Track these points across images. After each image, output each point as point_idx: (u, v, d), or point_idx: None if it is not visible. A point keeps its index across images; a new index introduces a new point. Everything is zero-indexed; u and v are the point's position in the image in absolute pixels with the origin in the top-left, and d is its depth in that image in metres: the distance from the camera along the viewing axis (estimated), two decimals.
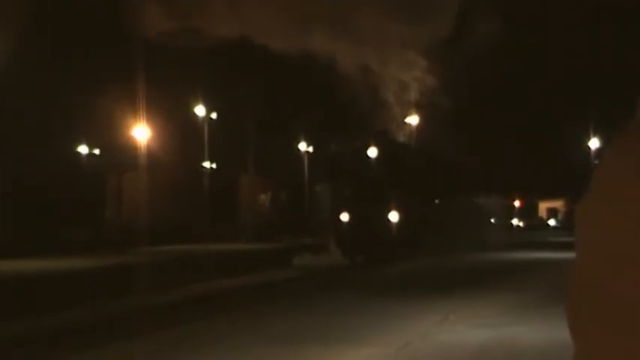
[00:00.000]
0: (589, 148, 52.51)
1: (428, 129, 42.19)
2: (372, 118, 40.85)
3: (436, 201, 36.36)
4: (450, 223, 34.58)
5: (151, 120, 38.56)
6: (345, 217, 31.72)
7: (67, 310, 18.41)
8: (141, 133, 37.62)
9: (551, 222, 62.96)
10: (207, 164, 45.06)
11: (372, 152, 35.35)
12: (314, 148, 49.55)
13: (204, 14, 39.24)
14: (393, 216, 31.16)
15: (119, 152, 40.57)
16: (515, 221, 57.40)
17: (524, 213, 60.69)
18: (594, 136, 52.17)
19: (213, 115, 43.73)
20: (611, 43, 49.71)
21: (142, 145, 37.59)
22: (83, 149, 43.72)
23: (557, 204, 63.67)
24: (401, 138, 40.83)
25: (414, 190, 32.40)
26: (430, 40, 41.43)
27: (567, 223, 58.09)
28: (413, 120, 42.39)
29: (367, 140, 36.21)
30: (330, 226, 32.57)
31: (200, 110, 42.50)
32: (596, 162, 48.46)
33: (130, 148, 38.40)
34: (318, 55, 40.45)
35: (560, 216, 63.31)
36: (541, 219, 63.86)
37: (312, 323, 16.14)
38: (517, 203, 58.03)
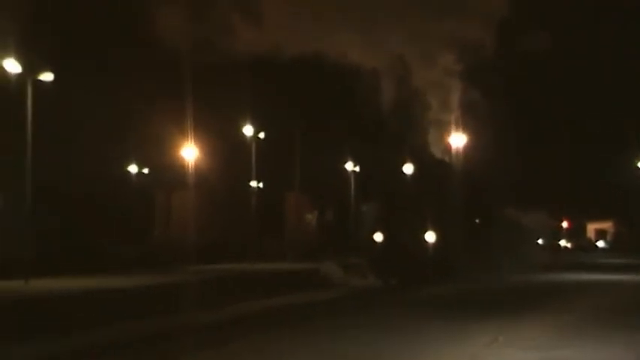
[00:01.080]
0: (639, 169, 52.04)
1: (470, 145, 39.73)
2: (410, 133, 39.11)
3: (476, 220, 34.52)
4: (490, 244, 33.33)
5: (199, 139, 38.67)
6: (378, 237, 30.53)
7: (110, 327, 18.65)
8: (189, 152, 38.03)
9: (600, 243, 62.46)
10: (254, 183, 44.89)
11: (408, 169, 34.00)
12: (360, 168, 49.45)
13: (256, 33, 37.77)
14: (430, 236, 29.84)
15: (168, 171, 41.01)
16: (563, 242, 56.91)
17: (573, 234, 60.18)
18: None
19: (261, 135, 43.47)
20: None
21: (190, 164, 37.88)
22: (133, 168, 44.11)
23: (606, 225, 63.13)
24: (440, 154, 38.51)
25: (452, 208, 31.21)
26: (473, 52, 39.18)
27: (616, 245, 57.52)
28: (453, 138, 39.85)
29: (403, 156, 34.66)
30: (365, 247, 31.53)
31: (248, 130, 42.48)
32: None
33: (179, 167, 38.74)
34: (361, 68, 39.00)
35: (609, 237, 62.77)
36: (589, 240, 63.34)
37: (360, 346, 15.77)
38: (565, 224, 57.56)
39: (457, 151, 39.28)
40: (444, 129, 39.51)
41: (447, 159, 37.73)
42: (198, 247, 35.36)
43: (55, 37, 33.88)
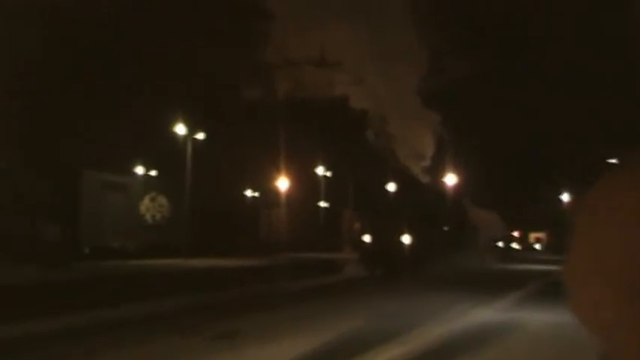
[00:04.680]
0: (560, 200, 55.40)
1: (437, 169, 35.31)
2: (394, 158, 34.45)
3: (445, 228, 31.23)
4: (456, 245, 30.28)
5: (288, 173, 39.87)
6: (367, 238, 27.85)
7: (240, 288, 18.29)
8: (282, 183, 40.17)
9: (537, 246, 65.41)
10: (322, 203, 47.63)
11: (391, 187, 31.88)
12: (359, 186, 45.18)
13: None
14: (405, 238, 27.32)
15: (269, 194, 41.82)
16: (514, 245, 59.84)
17: (520, 240, 63.36)
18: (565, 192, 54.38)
19: (328, 174, 45.70)
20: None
21: (282, 191, 39.98)
22: (248, 192, 45.04)
23: (541, 235, 66.26)
24: (417, 173, 34.10)
25: (425, 218, 28.07)
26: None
27: (547, 247, 60.91)
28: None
29: (387, 177, 32.28)
30: (357, 246, 28.49)
31: (320, 170, 45.30)
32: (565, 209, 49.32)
33: (275, 192, 40.31)
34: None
35: (542, 242, 65.99)
36: (531, 244, 66.20)
37: (398, 306, 14.70)
38: (516, 233, 60.70)
39: (429, 172, 35.19)
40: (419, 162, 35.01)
41: (422, 178, 34.34)
42: (287, 243, 37.56)
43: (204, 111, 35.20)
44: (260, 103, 37.22)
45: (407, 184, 31.51)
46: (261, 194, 44.23)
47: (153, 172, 38.69)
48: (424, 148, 35.15)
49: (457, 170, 35.12)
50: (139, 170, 38.30)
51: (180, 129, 32.67)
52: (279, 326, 11.52)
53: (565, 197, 55.39)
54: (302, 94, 35.88)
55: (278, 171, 39.96)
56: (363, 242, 27.69)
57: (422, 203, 28.98)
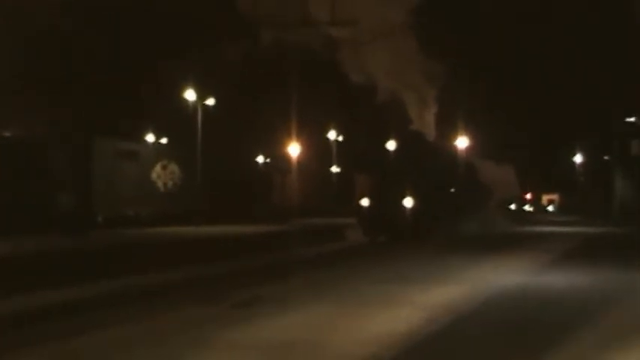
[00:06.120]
0: (574, 162, 55.55)
1: (446, 129, 33.68)
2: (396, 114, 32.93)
3: (452, 190, 29.14)
4: (465, 210, 28.73)
5: (300, 139, 39.83)
6: (365, 202, 25.90)
7: (243, 258, 18.00)
8: (294, 148, 40.30)
9: (550, 208, 65.99)
10: (335, 168, 47.84)
11: (391, 145, 29.62)
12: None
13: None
14: (408, 202, 25.31)
15: (281, 160, 41.85)
16: (527, 207, 60.21)
17: (533, 202, 63.85)
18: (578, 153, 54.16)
19: (340, 138, 46.08)
20: None
21: (294, 156, 40.15)
22: (260, 158, 45.14)
23: (554, 196, 66.73)
24: (423, 133, 31.93)
25: (430, 180, 26.28)
26: None
27: (560, 209, 61.42)
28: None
29: (388, 134, 29.95)
30: (356, 211, 26.57)
31: (332, 134, 45.61)
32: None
33: (288, 158, 40.35)
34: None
35: (555, 204, 66.56)
36: (543, 206, 66.73)
37: (397, 270, 14.91)
38: (529, 196, 61.07)
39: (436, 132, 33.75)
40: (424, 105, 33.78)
41: (426, 134, 32.21)
42: (300, 209, 37.19)
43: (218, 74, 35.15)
44: (270, 64, 36.99)
45: (410, 143, 29.18)
46: (272, 160, 44.29)
47: (164, 140, 38.99)
48: (431, 113, 34.00)
49: (467, 130, 33.82)
50: (150, 138, 38.58)
51: (190, 95, 32.72)
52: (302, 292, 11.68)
53: (578, 159, 55.65)
54: (312, 57, 35.35)
55: (290, 136, 39.99)
56: (361, 207, 26.00)
57: (426, 164, 27.12)
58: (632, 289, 12.12)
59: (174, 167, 33.55)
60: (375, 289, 11.85)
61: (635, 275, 13.99)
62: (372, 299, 10.78)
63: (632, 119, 46.38)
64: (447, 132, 34.00)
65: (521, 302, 10.77)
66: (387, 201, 25.45)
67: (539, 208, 63.63)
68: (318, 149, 44.47)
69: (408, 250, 20.63)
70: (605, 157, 51.44)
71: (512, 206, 45.63)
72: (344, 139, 46.51)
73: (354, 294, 11.35)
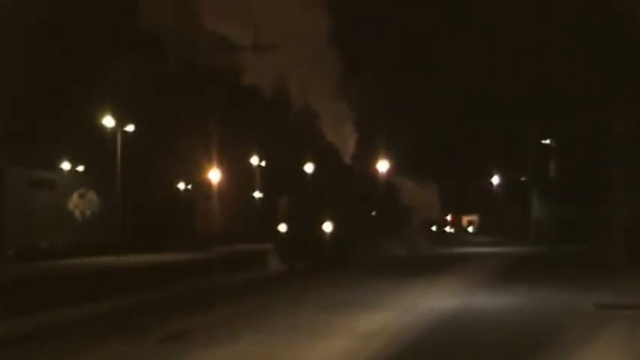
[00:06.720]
0: (491, 183, 56.82)
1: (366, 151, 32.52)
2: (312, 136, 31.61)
3: (372, 213, 28.72)
4: (386, 232, 28.32)
5: (220, 165, 39.34)
6: (282, 227, 24.80)
7: (165, 288, 17.33)
8: (214, 175, 39.88)
9: (470, 229, 67.54)
10: (257, 194, 47.26)
11: (309, 168, 28.59)
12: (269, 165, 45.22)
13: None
14: (327, 226, 24.27)
15: (202, 187, 41.47)
16: (448, 228, 61.43)
17: (454, 223, 65.17)
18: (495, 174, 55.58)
19: (263, 163, 45.47)
20: None
21: (215, 182, 39.69)
22: (181, 185, 44.72)
23: (473, 217, 68.37)
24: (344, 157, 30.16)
25: (348, 203, 25.41)
26: None
27: (480, 230, 62.98)
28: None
29: (305, 156, 29.10)
30: (272, 236, 25.42)
31: (254, 160, 44.91)
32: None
33: (208, 184, 39.92)
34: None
35: (474, 225, 68.19)
36: (464, 227, 68.29)
37: (326, 297, 14.55)
38: (449, 217, 62.29)
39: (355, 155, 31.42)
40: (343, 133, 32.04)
41: (346, 159, 30.50)
42: (223, 235, 36.84)
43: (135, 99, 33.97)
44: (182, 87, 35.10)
45: (328, 166, 27.89)
46: (194, 186, 43.87)
47: (80, 168, 37.87)
48: (348, 130, 31.83)
49: (388, 153, 33.17)
50: (65, 166, 37.42)
51: (109, 121, 31.91)
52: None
53: (495, 180, 56.97)
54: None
55: (210, 162, 39.63)
56: (278, 232, 24.80)
57: (345, 186, 26.13)
58: (561, 307, 12.51)
59: (92, 196, 32.57)
60: (308, 317, 11.64)
61: (562, 294, 14.44)
62: (306, 327, 10.53)
63: (548, 141, 47.59)
64: (368, 152, 33.02)
65: (452, 325, 10.75)
66: (305, 226, 24.38)
67: (460, 229, 64.82)
68: (240, 175, 44.01)
69: (333, 275, 20.31)
70: (522, 179, 52.83)
71: (434, 228, 46.11)
72: (267, 163, 46.06)
73: (285, 323, 11.08)
